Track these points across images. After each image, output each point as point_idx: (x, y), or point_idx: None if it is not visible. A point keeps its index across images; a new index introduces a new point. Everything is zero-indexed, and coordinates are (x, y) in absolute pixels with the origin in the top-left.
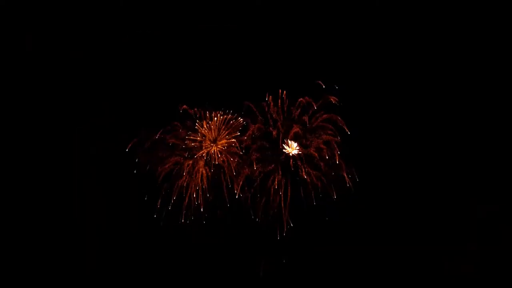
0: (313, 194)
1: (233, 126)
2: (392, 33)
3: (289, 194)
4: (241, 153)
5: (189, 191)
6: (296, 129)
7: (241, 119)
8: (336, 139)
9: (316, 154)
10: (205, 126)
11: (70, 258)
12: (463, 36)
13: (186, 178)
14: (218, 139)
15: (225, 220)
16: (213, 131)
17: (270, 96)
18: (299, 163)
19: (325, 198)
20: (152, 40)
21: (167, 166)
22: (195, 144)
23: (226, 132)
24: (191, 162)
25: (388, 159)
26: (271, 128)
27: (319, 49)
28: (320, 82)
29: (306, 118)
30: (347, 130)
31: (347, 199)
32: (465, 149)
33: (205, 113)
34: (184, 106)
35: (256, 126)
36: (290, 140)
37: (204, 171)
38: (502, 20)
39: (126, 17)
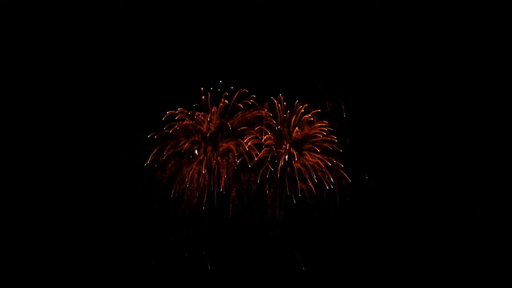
0: (309, 198)
1: (233, 127)
2: (393, 35)
3: (284, 198)
4: (237, 160)
5: (186, 195)
6: (294, 134)
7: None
8: (334, 145)
9: (315, 160)
10: (204, 129)
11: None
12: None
13: (184, 182)
14: (218, 144)
15: (222, 224)
16: (212, 134)
17: (267, 101)
18: (296, 168)
19: (322, 203)
20: (152, 40)
21: (166, 169)
22: (195, 147)
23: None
24: (190, 167)
25: (386, 164)
26: (269, 134)
27: (319, 50)
28: (320, 84)
29: (304, 120)
30: (346, 138)
31: (345, 203)
32: (465, 153)
33: (204, 117)
34: (180, 109)
35: (254, 129)
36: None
37: (202, 176)
38: (502, 20)
39: (126, 17)
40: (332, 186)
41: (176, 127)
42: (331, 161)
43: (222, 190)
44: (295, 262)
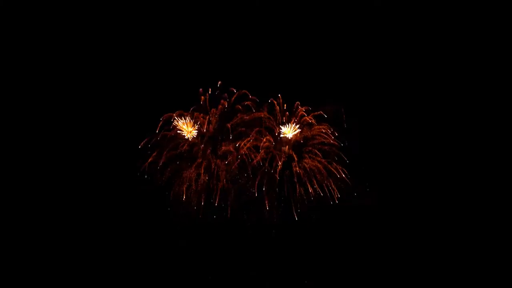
0: (307, 201)
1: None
2: (393, 38)
3: (282, 200)
4: (236, 162)
5: (185, 197)
6: (293, 137)
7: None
8: (334, 148)
9: (314, 162)
10: (203, 131)
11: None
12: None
13: (184, 185)
14: (217, 147)
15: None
16: (211, 136)
17: (266, 103)
18: (295, 171)
19: (320, 205)
20: (152, 40)
21: (166, 172)
22: (195, 149)
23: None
24: (189, 170)
25: (385, 168)
26: (269, 136)
27: (320, 51)
28: (319, 88)
29: (304, 122)
30: (345, 140)
31: (345, 205)
32: (464, 154)
33: (204, 118)
34: (179, 111)
35: (253, 131)
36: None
37: (202, 179)
38: (502, 20)
39: (126, 17)
40: (331, 188)
41: (175, 130)
42: (331, 164)
43: (221, 192)
44: (294, 264)
